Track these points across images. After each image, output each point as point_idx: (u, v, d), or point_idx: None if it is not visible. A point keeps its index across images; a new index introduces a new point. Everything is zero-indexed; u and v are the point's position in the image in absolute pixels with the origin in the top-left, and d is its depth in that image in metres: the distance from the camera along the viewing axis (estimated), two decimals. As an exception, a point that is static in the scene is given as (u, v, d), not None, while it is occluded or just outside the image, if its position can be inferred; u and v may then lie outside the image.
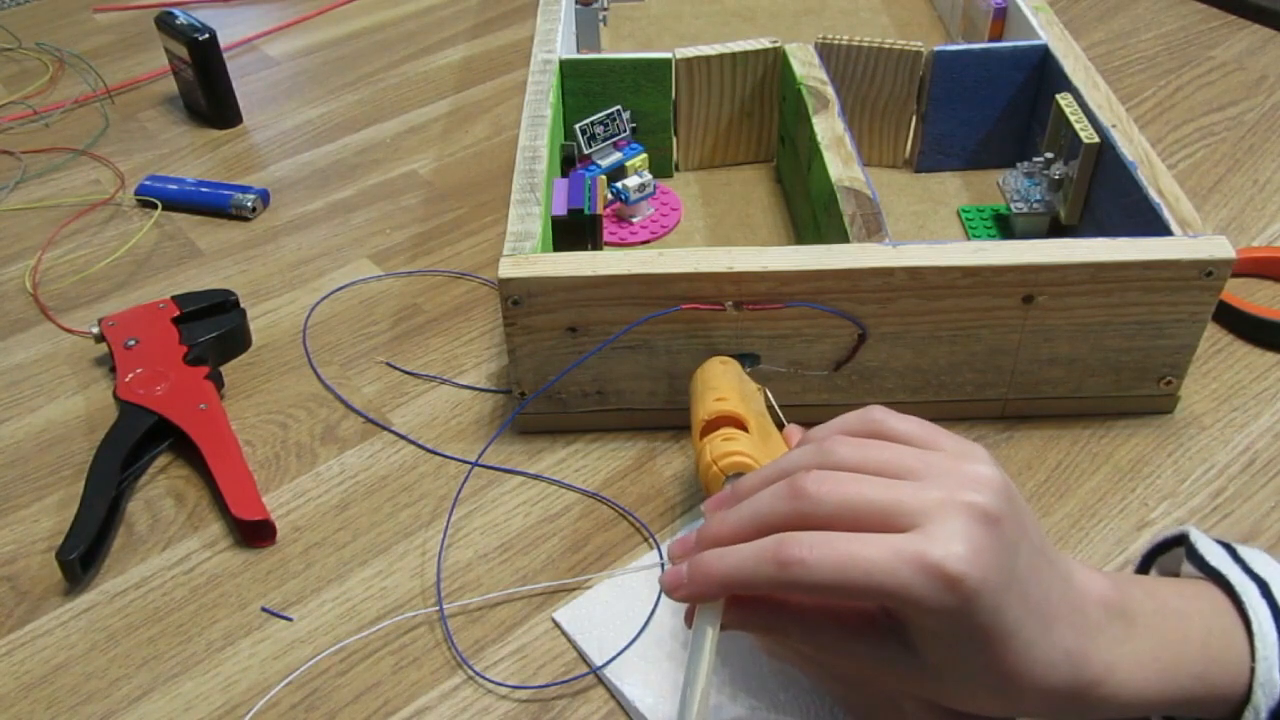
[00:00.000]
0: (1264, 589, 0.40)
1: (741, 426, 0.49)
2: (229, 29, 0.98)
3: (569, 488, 0.57)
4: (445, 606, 0.51)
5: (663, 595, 0.51)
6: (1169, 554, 0.45)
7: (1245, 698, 0.39)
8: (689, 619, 0.41)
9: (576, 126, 0.72)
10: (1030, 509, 0.39)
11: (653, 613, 0.50)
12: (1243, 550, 0.42)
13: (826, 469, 0.39)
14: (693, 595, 0.40)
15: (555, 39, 0.75)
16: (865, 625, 0.39)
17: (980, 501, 0.36)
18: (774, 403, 0.55)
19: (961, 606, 0.35)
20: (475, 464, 0.58)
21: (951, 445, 0.40)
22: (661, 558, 0.53)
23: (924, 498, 0.37)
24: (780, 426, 0.52)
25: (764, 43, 0.74)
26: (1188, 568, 0.42)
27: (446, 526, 0.55)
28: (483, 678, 0.49)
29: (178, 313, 0.65)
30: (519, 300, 0.54)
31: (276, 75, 0.95)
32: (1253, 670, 0.38)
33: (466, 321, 0.68)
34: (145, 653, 0.50)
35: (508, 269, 0.54)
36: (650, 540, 0.54)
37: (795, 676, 0.46)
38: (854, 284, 0.54)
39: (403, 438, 0.60)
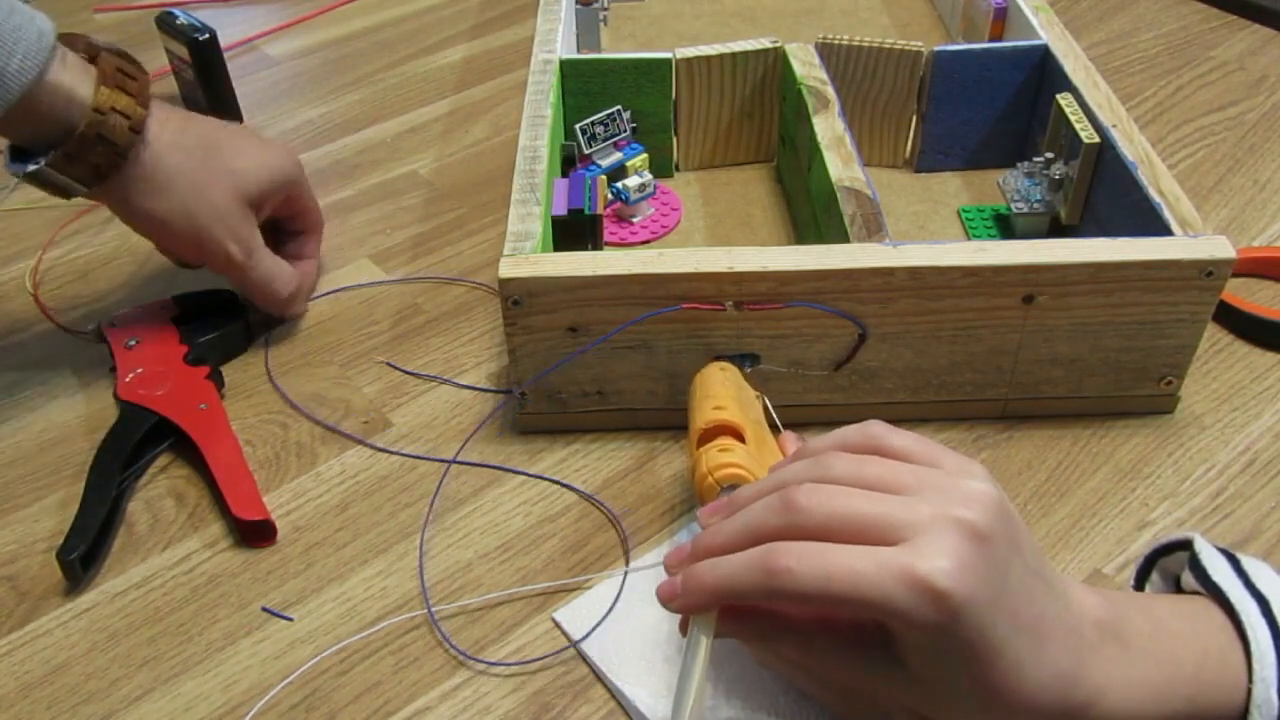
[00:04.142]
0: (1264, 606, 0.40)
1: (738, 436, 0.49)
2: (229, 29, 0.98)
3: (567, 487, 0.57)
4: (446, 606, 0.51)
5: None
6: (1172, 556, 0.45)
7: (1242, 719, 0.39)
8: (684, 628, 0.42)
9: (577, 126, 0.72)
10: (1026, 528, 0.39)
11: (653, 613, 0.50)
12: (1247, 562, 0.42)
13: (821, 483, 0.39)
14: (687, 606, 0.40)
15: (555, 39, 0.75)
16: (856, 636, 0.39)
17: (970, 517, 0.36)
18: (772, 409, 0.55)
19: (946, 621, 0.35)
20: (453, 461, 0.58)
21: (949, 462, 0.40)
22: (628, 566, 0.53)
23: (914, 512, 0.37)
24: (776, 432, 0.52)
25: (764, 43, 0.74)
26: (1189, 579, 0.42)
27: (424, 526, 0.55)
28: (483, 677, 0.49)
29: (178, 313, 0.65)
30: (519, 300, 0.54)
31: (276, 75, 0.95)
32: (1249, 691, 0.38)
33: (466, 322, 0.68)
34: (145, 653, 0.50)
35: (508, 269, 0.54)
36: (625, 557, 0.53)
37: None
38: (854, 284, 0.54)
39: (383, 450, 0.60)
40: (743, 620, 0.41)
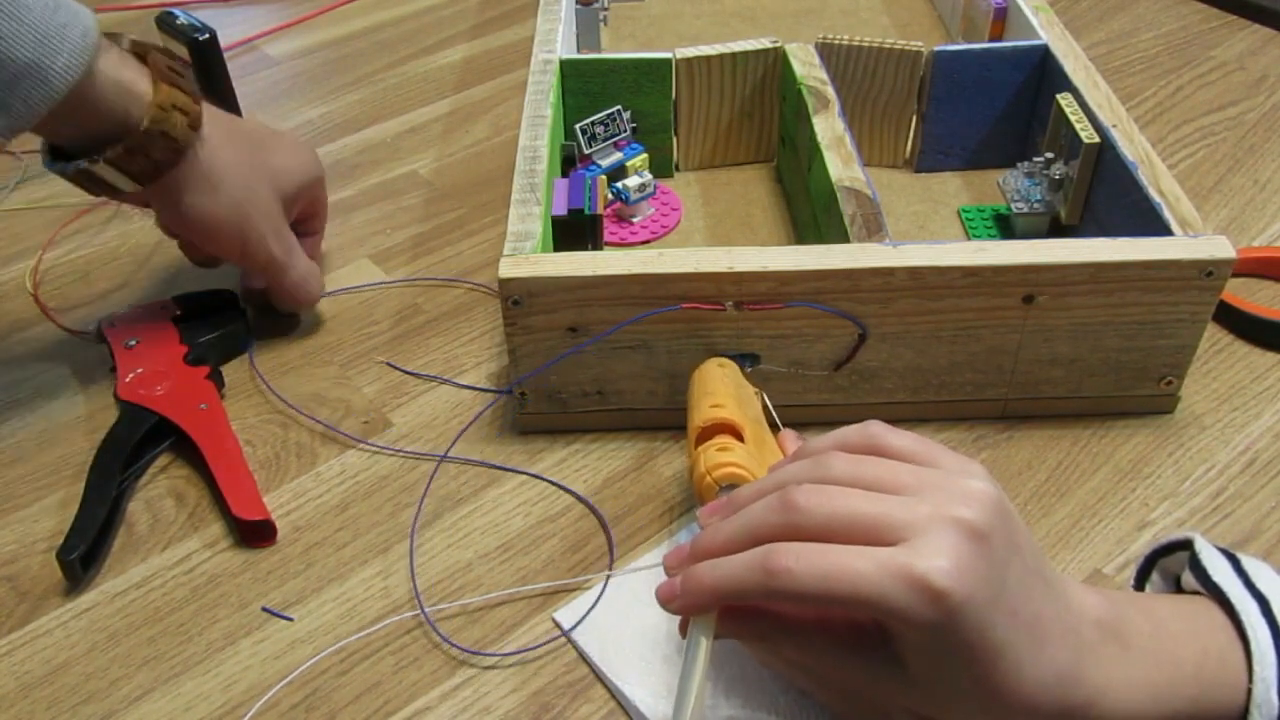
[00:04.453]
0: (1264, 606, 0.39)
1: (737, 434, 0.49)
2: (229, 29, 0.98)
3: (564, 489, 0.57)
4: (446, 606, 0.51)
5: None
6: (1172, 556, 0.45)
7: (1242, 718, 0.39)
8: (683, 630, 0.42)
9: (577, 126, 0.72)
10: (1025, 528, 0.39)
11: (653, 613, 0.50)
12: (1247, 562, 0.42)
13: (820, 483, 0.39)
14: (686, 607, 0.40)
15: (555, 39, 0.75)
16: (856, 637, 0.39)
17: (969, 516, 0.36)
18: (771, 407, 0.55)
19: (945, 621, 0.35)
20: (443, 458, 0.58)
21: (949, 462, 0.40)
22: (610, 570, 0.53)
23: (913, 512, 0.37)
24: (776, 430, 0.52)
25: (764, 43, 0.74)
26: (1189, 579, 0.42)
27: (414, 528, 0.55)
28: (483, 677, 0.49)
29: (178, 313, 0.65)
30: (519, 300, 0.54)
31: (276, 75, 0.95)
32: (1249, 691, 0.38)
33: (466, 322, 0.68)
34: (145, 653, 0.50)
35: (508, 269, 0.54)
36: (610, 562, 0.54)
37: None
38: (854, 284, 0.54)
39: (381, 450, 0.60)
40: (742, 621, 0.41)
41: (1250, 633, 0.39)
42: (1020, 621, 0.37)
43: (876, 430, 0.42)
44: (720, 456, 0.47)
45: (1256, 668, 0.38)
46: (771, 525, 0.39)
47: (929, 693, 0.38)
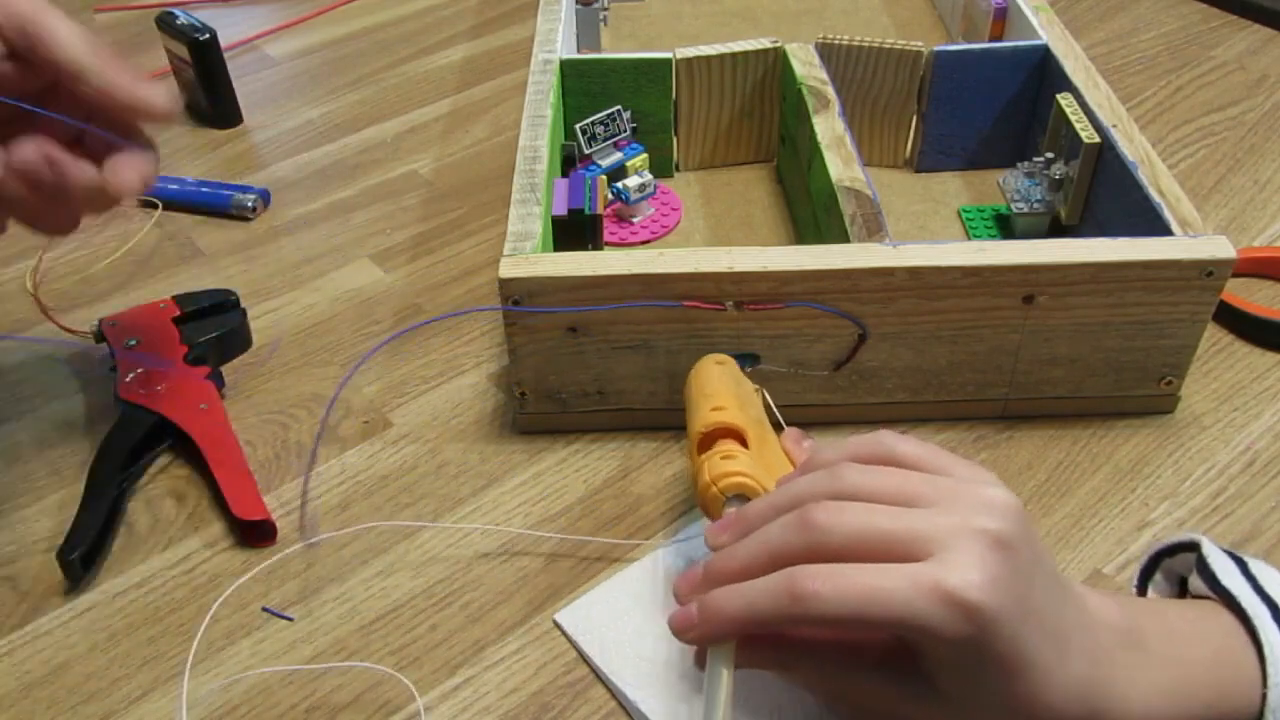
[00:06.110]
0: (1275, 611, 0.39)
1: (740, 438, 0.47)
2: (229, 29, 0.98)
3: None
4: (447, 607, 0.51)
5: (663, 600, 0.51)
6: (1177, 557, 0.45)
7: None
8: (700, 660, 0.40)
9: (577, 126, 0.72)
10: (1039, 534, 0.39)
11: (653, 613, 0.50)
12: (1253, 565, 0.42)
13: (836, 497, 0.38)
14: (705, 636, 0.39)
15: (556, 39, 0.75)
16: (880, 657, 0.38)
17: (994, 527, 0.36)
18: (773, 404, 0.55)
19: (979, 635, 0.34)
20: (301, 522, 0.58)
21: (961, 470, 0.39)
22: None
23: (937, 525, 0.36)
24: (779, 429, 0.52)
25: (764, 43, 0.74)
26: (1197, 582, 0.42)
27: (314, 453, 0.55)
28: (483, 677, 0.49)
29: (178, 313, 0.65)
30: (519, 300, 0.54)
31: (276, 75, 0.95)
32: (1264, 695, 0.38)
33: (467, 321, 0.68)
34: (145, 653, 0.50)
35: (508, 269, 0.54)
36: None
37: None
38: (854, 284, 0.54)
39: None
40: (763, 650, 0.39)
41: (1263, 638, 0.39)
42: (1046, 631, 0.36)
43: (887, 440, 0.41)
44: (725, 465, 0.45)
45: (1270, 672, 0.38)
46: (792, 546, 0.37)
47: (958, 708, 0.37)
